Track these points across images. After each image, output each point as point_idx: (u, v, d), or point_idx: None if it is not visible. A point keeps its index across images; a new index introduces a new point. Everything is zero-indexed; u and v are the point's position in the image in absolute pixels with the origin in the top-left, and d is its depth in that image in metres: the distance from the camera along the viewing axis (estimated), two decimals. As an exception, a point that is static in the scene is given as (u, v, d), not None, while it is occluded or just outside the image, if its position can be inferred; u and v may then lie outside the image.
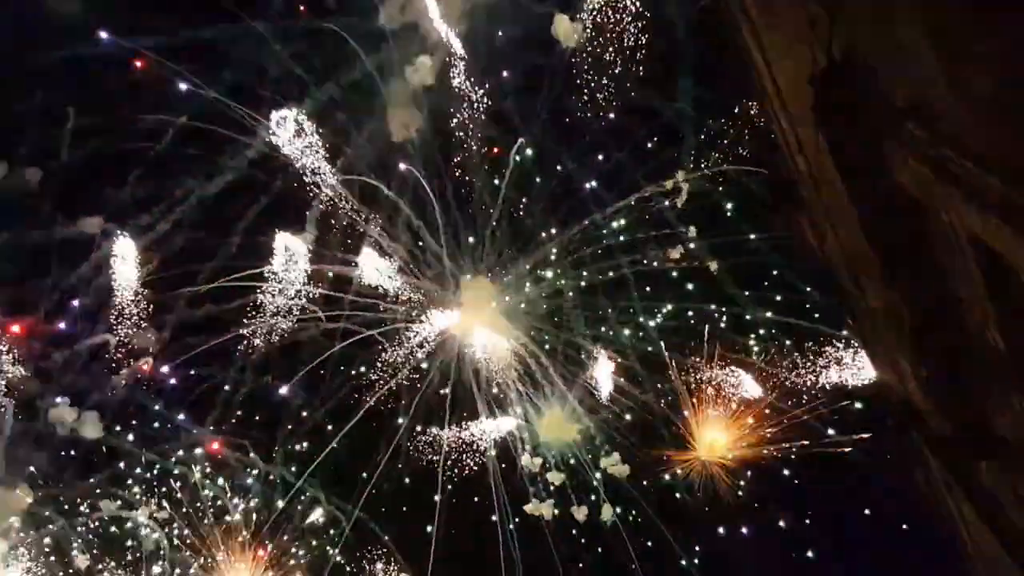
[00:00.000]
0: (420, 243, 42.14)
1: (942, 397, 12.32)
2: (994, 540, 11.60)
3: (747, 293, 41.50)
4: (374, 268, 41.59)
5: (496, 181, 41.77)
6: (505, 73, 40.85)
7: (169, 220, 41.02)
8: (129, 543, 43.32)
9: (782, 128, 12.97)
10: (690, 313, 42.59)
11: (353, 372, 42.98)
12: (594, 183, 42.05)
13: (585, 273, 42.82)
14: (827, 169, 11.74)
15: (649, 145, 41.50)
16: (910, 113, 10.69)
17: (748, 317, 41.59)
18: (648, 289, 42.29)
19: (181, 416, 43.53)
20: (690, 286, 42.03)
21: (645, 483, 43.42)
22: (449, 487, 42.56)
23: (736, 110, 38.98)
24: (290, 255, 40.74)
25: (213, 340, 41.76)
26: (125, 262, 40.55)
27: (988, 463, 11.80)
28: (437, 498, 42.21)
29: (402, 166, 41.61)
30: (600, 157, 41.98)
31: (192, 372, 43.21)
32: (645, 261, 41.96)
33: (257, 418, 44.13)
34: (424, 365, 43.33)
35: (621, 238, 41.56)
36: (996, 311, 11.14)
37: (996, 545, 11.67)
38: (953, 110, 10.03)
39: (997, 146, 9.44)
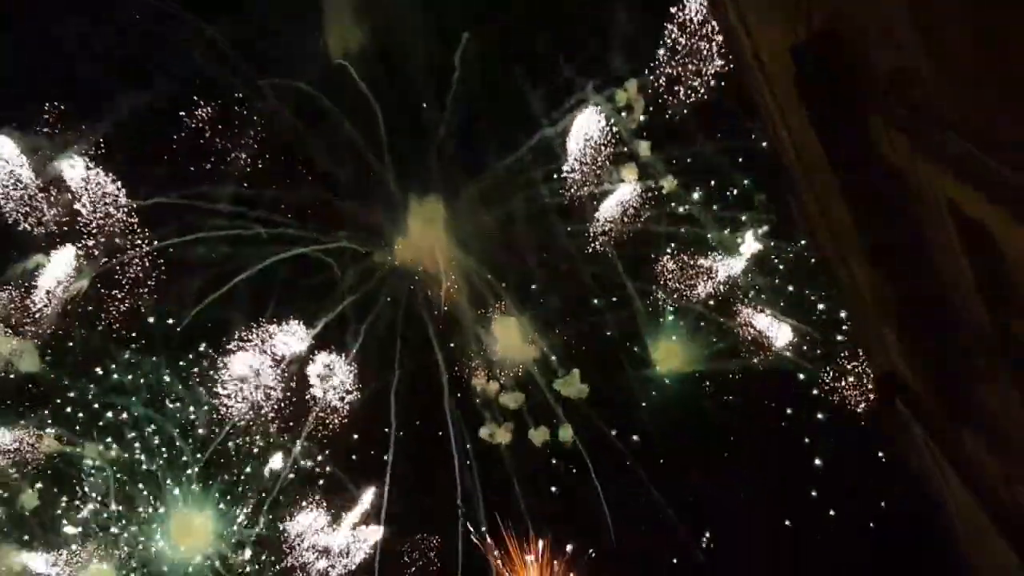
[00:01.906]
0: (365, 165, 41.72)
1: (928, 370, 12.64)
2: (978, 508, 12.05)
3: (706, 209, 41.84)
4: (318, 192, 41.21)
5: (443, 98, 41.31)
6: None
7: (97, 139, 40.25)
8: (76, 482, 43.12)
9: (765, 101, 13.01)
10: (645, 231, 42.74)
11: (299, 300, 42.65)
12: (543, 97, 41.70)
13: (537, 194, 42.69)
14: (809, 142, 11.83)
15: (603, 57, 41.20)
16: (892, 83, 10.78)
17: (709, 236, 42.07)
18: (601, 209, 42.23)
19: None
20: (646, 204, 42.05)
21: (605, 403, 44.07)
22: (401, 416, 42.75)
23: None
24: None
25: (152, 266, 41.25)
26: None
27: (973, 434, 12.20)
28: (391, 428, 42.49)
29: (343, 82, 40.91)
30: (550, 70, 41.59)
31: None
32: (598, 180, 41.97)
33: (201, 349, 43.89)
34: (372, 291, 43.15)
35: (572, 158, 41.39)
36: (979, 283, 11.38)
37: (980, 513, 12.12)
38: (933, 79, 10.13)
39: (977, 115, 9.57)
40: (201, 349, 43.26)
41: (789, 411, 42.36)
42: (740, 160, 41.23)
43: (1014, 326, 11.36)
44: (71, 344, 42.20)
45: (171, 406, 43.10)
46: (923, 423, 13.14)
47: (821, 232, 13.69)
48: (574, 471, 43.23)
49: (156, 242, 41.75)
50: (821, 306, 40.25)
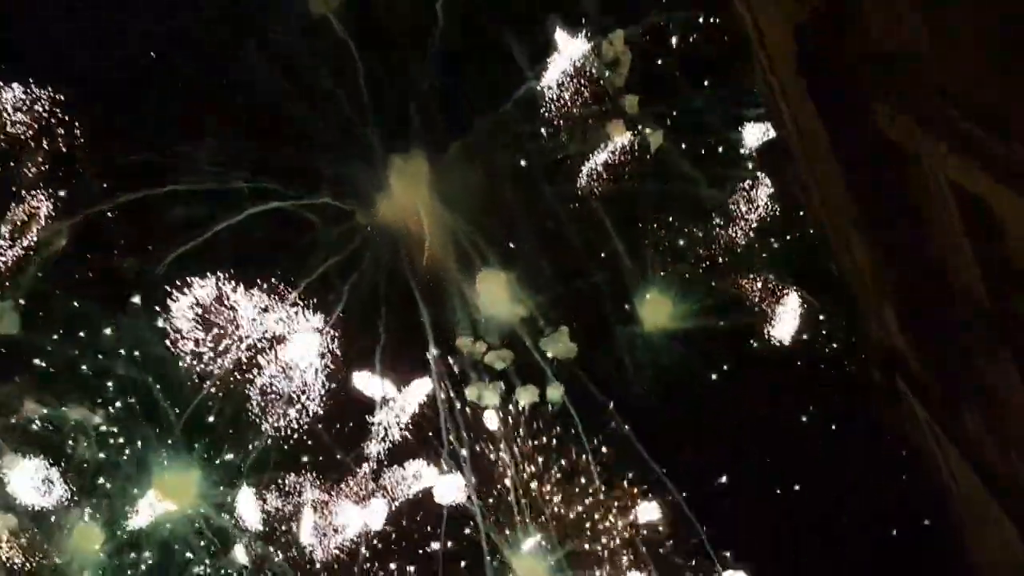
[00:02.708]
0: (347, 122, 41.44)
1: (927, 347, 12.79)
2: (977, 482, 12.27)
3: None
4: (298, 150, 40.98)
5: (425, 51, 40.96)
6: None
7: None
8: (59, 445, 43.15)
9: (766, 77, 13.01)
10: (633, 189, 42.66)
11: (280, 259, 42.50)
12: (527, 51, 41.39)
13: (523, 152, 42.49)
14: (810, 118, 11.86)
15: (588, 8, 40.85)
16: (894, 61, 10.81)
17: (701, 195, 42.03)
18: (589, 166, 42.08)
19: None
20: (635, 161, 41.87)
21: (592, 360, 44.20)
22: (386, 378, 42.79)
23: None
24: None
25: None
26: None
27: (972, 411, 12.39)
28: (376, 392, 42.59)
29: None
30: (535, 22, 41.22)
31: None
32: (585, 137, 41.83)
33: (182, 307, 43.69)
34: (356, 251, 43.02)
35: (558, 115, 41.18)
36: (979, 261, 11.49)
37: (980, 487, 12.35)
38: (936, 57, 10.16)
39: (978, 93, 9.62)
40: (182, 307, 43.10)
41: (781, 376, 42.45)
42: (735, 118, 40.99)
43: (1013, 302, 11.50)
44: (51, 305, 42.09)
45: (154, 366, 43.05)
46: (922, 400, 13.32)
47: (820, 207, 13.77)
48: (561, 430, 43.46)
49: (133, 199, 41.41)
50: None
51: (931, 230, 12.24)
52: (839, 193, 12.55)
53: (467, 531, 44.02)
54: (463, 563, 44.06)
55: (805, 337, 41.67)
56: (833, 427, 42.59)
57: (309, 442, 43.20)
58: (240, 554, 43.10)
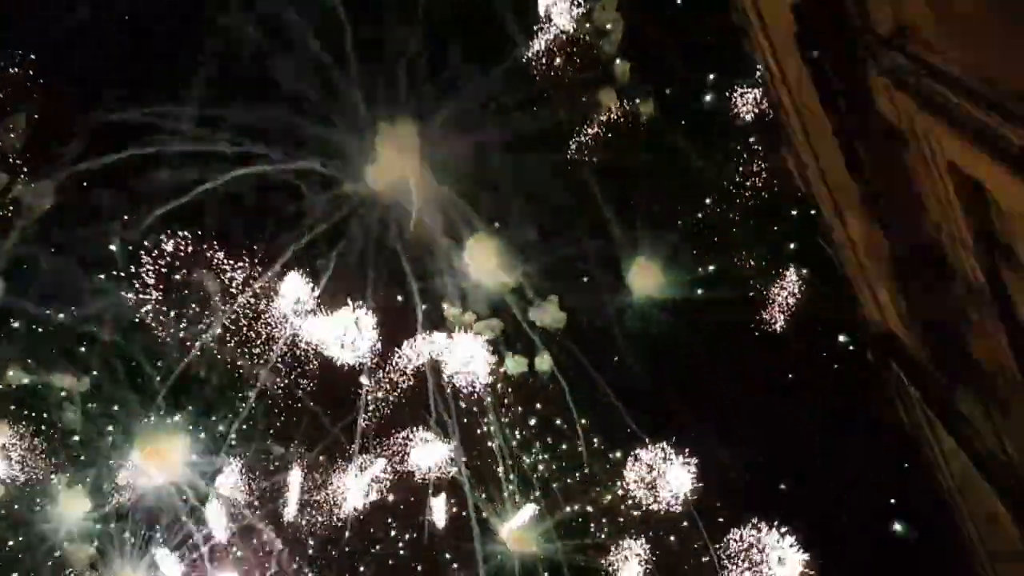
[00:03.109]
0: (334, 86, 41.09)
1: (921, 328, 12.86)
2: (969, 465, 12.37)
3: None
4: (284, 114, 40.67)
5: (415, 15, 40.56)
6: None
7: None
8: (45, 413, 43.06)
9: (765, 57, 12.97)
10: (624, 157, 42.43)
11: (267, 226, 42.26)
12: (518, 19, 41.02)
13: (513, 120, 42.09)
14: (809, 99, 11.85)
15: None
16: (893, 40, 10.80)
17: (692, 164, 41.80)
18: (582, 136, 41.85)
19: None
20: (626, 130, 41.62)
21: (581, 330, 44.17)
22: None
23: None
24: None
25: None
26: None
27: (964, 390, 12.48)
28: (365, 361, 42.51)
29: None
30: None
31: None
32: (575, 106, 41.57)
33: (167, 272, 43.47)
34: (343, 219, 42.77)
35: (549, 83, 40.90)
36: (975, 241, 11.55)
37: (972, 470, 12.45)
38: (936, 37, 10.16)
39: (979, 73, 9.64)
40: (167, 273, 42.85)
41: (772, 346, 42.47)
42: (730, 89, 40.72)
43: (1004, 277, 11.58)
44: (35, 272, 41.81)
45: (139, 332, 42.85)
46: (916, 383, 13.40)
47: (816, 185, 13.79)
48: (550, 400, 43.52)
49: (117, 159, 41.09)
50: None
51: (927, 208, 12.28)
52: (836, 170, 12.57)
53: (455, 500, 44.12)
54: (451, 532, 44.16)
55: (796, 309, 41.64)
56: (825, 402, 42.60)
57: (295, 409, 43.23)
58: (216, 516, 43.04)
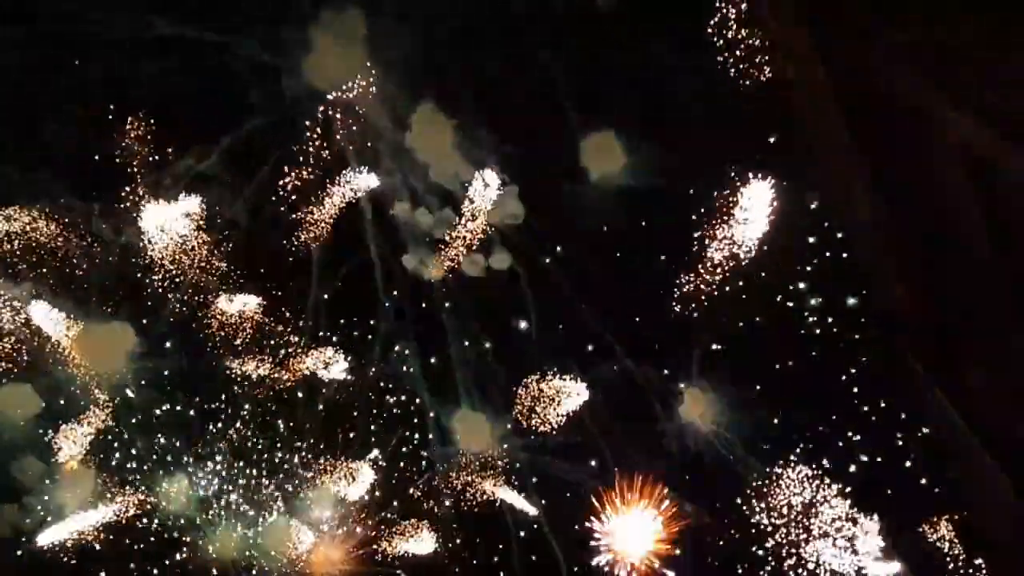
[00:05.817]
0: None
1: (929, 303, 12.74)
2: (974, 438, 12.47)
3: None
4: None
5: None
6: None
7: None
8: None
9: (772, 36, 12.25)
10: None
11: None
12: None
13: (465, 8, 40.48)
14: (817, 76, 11.28)
15: None
16: (900, 18, 10.34)
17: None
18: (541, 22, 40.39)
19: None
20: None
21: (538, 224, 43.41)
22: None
23: None
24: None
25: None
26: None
27: (974, 371, 12.36)
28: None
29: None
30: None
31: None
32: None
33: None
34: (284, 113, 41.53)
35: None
36: (984, 217, 11.47)
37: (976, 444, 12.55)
38: (946, 14, 9.72)
39: (988, 51, 9.29)
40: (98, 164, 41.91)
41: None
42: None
43: (1015, 258, 11.41)
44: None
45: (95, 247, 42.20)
46: (924, 363, 13.35)
47: (825, 163, 13.31)
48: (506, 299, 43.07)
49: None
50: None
51: (937, 188, 11.90)
52: (845, 148, 12.06)
53: (405, 397, 44.10)
54: (404, 429, 44.28)
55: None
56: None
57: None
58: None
